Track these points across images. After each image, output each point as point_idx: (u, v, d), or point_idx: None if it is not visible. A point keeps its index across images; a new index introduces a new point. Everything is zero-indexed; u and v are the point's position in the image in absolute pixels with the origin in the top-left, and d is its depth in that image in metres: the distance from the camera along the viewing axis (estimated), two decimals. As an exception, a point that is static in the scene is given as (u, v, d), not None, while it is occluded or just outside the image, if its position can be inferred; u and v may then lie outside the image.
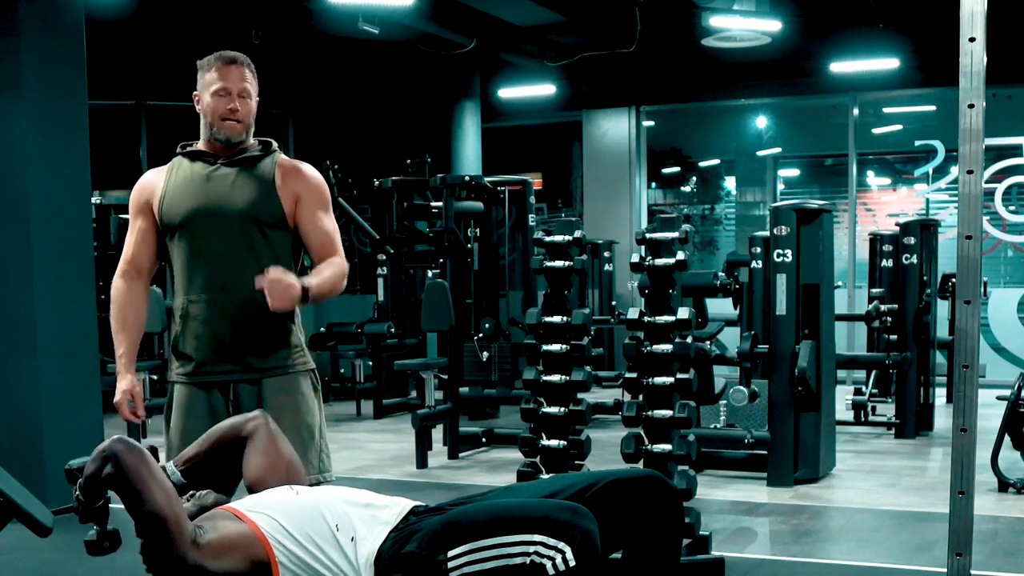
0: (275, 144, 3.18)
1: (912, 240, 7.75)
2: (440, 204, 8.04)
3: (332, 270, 3.05)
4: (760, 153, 13.13)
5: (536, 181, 12.53)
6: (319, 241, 3.11)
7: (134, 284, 3.14)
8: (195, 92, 3.10)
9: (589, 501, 2.36)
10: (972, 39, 2.53)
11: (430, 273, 9.06)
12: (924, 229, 7.91)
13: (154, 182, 3.13)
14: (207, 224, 3.03)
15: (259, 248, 3.03)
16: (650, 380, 4.22)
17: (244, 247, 3.03)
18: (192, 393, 3.09)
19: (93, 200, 6.80)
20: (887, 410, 8.08)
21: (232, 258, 3.03)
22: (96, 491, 2.41)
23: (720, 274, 6.05)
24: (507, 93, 12.13)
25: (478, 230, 8.52)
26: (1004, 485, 5.75)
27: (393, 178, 9.06)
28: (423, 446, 6.84)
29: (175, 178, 3.10)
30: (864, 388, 8.07)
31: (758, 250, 7.33)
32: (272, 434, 2.73)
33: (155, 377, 7.95)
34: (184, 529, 2.33)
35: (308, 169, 3.18)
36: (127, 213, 3.22)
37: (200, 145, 3.13)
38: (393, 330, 9.25)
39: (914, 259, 7.73)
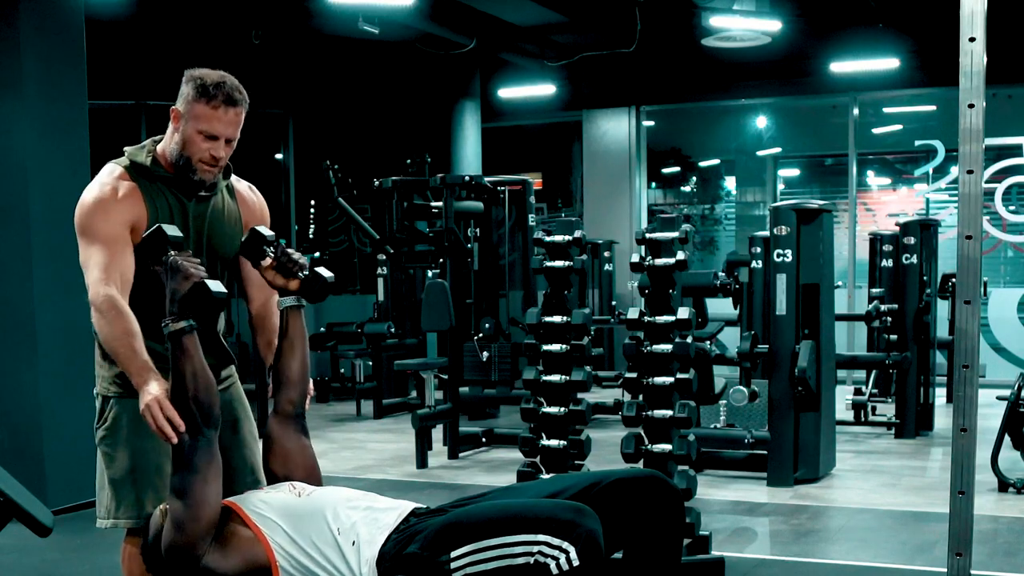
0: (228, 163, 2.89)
1: (912, 240, 7.75)
2: (440, 204, 8.04)
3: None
4: (760, 153, 13.13)
5: (536, 181, 12.53)
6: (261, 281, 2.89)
7: (123, 293, 2.68)
8: (175, 107, 2.75)
9: (591, 501, 2.36)
10: (972, 39, 2.53)
11: (430, 273, 9.06)
12: (924, 229, 7.91)
13: (132, 205, 2.74)
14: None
15: (228, 284, 2.90)
16: (650, 380, 4.22)
17: (228, 289, 2.83)
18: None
19: (93, 200, 6.77)
20: (887, 410, 8.08)
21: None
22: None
23: (720, 274, 6.06)
24: (507, 93, 12.13)
25: (478, 230, 8.52)
26: (1004, 485, 5.75)
27: (393, 178, 9.06)
28: (423, 446, 6.84)
29: (159, 209, 2.77)
30: (864, 388, 8.07)
31: (758, 250, 7.33)
32: (299, 439, 2.74)
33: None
34: (211, 535, 2.35)
35: (258, 193, 3.05)
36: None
37: (160, 157, 2.79)
38: (393, 330, 9.26)
39: (914, 259, 7.74)
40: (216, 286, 2.52)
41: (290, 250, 2.79)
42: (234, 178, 3.00)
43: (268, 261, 2.77)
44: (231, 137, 2.77)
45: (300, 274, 2.77)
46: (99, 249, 2.73)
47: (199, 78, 2.72)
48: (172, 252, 2.54)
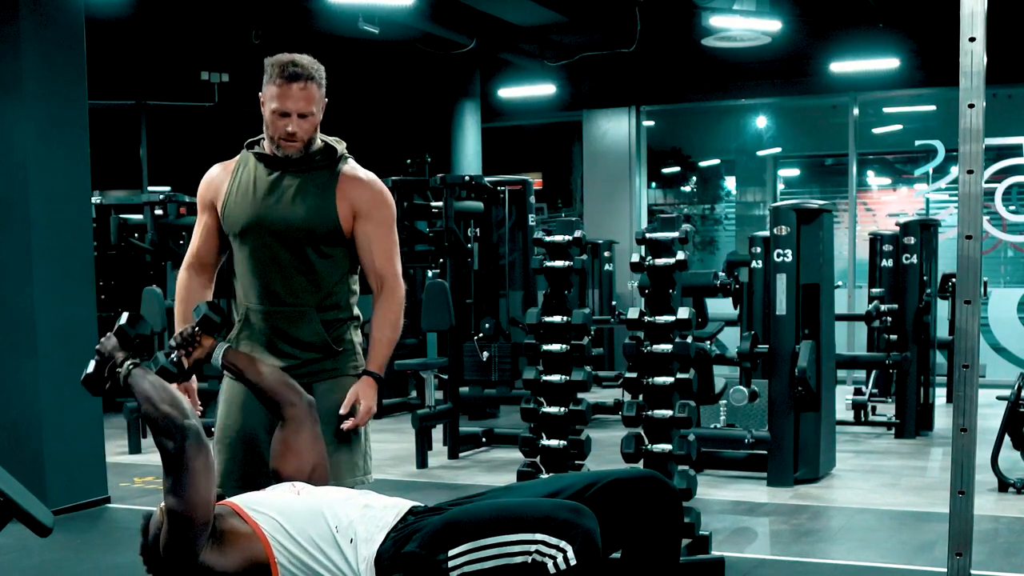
0: (342, 149, 3.08)
1: (912, 240, 7.75)
2: (440, 204, 8.04)
3: (387, 331, 3.08)
4: (760, 153, 13.13)
5: (536, 181, 12.53)
6: (372, 263, 3.06)
7: (198, 277, 3.11)
8: (261, 93, 2.99)
9: (589, 501, 2.36)
10: (972, 39, 2.53)
11: (430, 273, 9.06)
12: (924, 229, 7.91)
13: (220, 181, 3.07)
14: (264, 236, 2.97)
15: (314, 262, 2.98)
16: (650, 380, 4.22)
17: (299, 261, 2.98)
18: (241, 389, 3.03)
19: (93, 200, 6.78)
20: (887, 410, 8.08)
21: (287, 272, 2.98)
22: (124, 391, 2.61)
23: (720, 274, 6.05)
24: (507, 93, 12.13)
25: (478, 230, 8.53)
26: (1004, 485, 5.75)
27: (393, 178, 9.05)
28: (423, 446, 6.84)
29: (239, 181, 3.03)
30: (864, 388, 8.07)
31: (758, 250, 7.33)
32: (312, 432, 2.74)
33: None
34: (208, 530, 2.35)
35: (371, 182, 3.10)
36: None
37: (265, 144, 3.05)
38: (393, 330, 9.24)
39: (914, 259, 7.74)
40: (123, 319, 2.68)
41: (176, 335, 2.87)
42: (351, 167, 3.10)
43: (182, 355, 2.84)
44: (303, 112, 2.93)
45: (200, 333, 2.83)
46: (197, 223, 3.14)
47: (269, 63, 2.95)
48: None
